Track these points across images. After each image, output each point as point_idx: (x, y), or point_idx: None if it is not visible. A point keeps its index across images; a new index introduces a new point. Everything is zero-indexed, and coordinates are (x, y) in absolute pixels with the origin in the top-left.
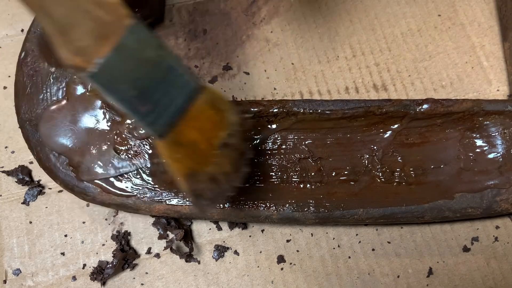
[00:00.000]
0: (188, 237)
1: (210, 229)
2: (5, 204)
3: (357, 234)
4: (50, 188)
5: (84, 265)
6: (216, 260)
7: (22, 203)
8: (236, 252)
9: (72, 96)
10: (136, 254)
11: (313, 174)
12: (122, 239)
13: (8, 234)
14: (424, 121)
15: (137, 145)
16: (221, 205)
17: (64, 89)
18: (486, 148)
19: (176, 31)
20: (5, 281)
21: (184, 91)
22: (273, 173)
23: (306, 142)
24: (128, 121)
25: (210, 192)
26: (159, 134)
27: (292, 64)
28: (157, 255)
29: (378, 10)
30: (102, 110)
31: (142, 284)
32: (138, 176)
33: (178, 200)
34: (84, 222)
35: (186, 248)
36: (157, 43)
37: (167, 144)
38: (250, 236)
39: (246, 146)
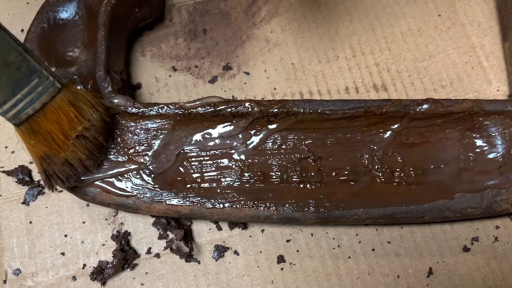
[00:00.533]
0: (188, 237)
1: (210, 229)
2: (5, 204)
3: (357, 234)
4: None
5: (84, 265)
6: (216, 260)
7: (22, 203)
8: (236, 252)
9: None
10: (136, 254)
11: (313, 174)
12: (122, 239)
13: (8, 234)
14: (424, 121)
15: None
16: (72, 183)
17: None
18: (486, 148)
19: (176, 31)
20: (5, 281)
21: (43, 89)
22: (273, 173)
23: (306, 142)
24: None
25: (63, 173)
26: (15, 123)
27: (292, 64)
28: (157, 255)
29: (378, 10)
30: None
31: (142, 284)
32: (138, 176)
33: (178, 200)
34: (84, 222)
35: (186, 248)
36: (20, 50)
37: (23, 131)
38: (250, 236)
39: (105, 139)
